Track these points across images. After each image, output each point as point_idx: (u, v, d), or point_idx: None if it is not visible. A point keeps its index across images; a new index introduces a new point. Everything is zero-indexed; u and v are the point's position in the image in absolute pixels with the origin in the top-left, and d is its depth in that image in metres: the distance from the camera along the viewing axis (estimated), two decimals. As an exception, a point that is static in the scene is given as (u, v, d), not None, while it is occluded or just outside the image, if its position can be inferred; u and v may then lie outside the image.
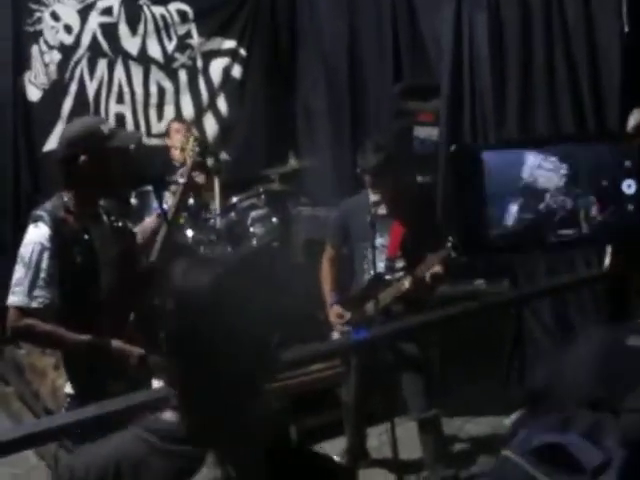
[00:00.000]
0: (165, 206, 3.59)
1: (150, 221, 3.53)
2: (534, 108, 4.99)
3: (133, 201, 5.04)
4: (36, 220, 2.92)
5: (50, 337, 2.93)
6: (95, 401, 2.26)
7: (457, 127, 5.38)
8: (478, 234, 1.03)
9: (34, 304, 2.86)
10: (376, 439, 4.40)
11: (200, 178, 5.29)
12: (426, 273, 3.86)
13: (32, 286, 2.86)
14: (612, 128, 4.51)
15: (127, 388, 2.64)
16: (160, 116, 6.17)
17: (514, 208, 1.03)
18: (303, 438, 4.32)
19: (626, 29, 4.45)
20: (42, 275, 2.87)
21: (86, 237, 2.97)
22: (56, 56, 5.69)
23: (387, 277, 4.06)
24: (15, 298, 2.87)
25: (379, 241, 4.07)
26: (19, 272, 2.89)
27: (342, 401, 4.27)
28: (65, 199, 2.96)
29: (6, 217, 5.49)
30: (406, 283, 3.93)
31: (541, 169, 1.03)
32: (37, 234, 2.89)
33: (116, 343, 2.92)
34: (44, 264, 2.87)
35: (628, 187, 1.03)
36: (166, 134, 5.75)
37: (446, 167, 5.34)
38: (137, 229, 3.44)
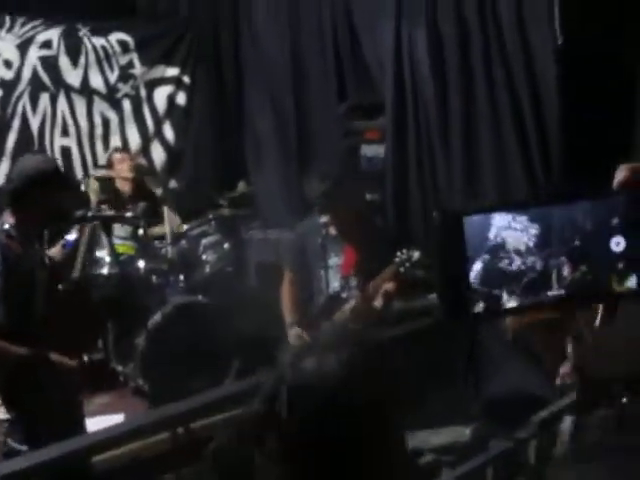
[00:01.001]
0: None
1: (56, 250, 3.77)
2: (477, 120, 5.04)
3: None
4: None
5: None
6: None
7: (403, 143, 5.39)
8: (462, 300, 0.97)
9: None
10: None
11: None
12: (379, 289, 3.86)
13: None
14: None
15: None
16: (106, 147, 6.06)
17: (478, 269, 0.98)
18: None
19: (559, 42, 4.52)
20: None
21: (27, 261, 3.21)
22: (-3, 91, 5.56)
23: (343, 296, 4.05)
24: None
25: (334, 261, 4.09)
26: None
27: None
28: (6, 226, 3.17)
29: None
30: (352, 302, 3.92)
31: (509, 229, 0.98)
32: None
33: (53, 356, 3.20)
34: None
35: (617, 245, 0.98)
36: (108, 165, 5.62)
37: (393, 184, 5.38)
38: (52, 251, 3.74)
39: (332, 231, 4.04)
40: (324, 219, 4.02)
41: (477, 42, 4.95)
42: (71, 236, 3.98)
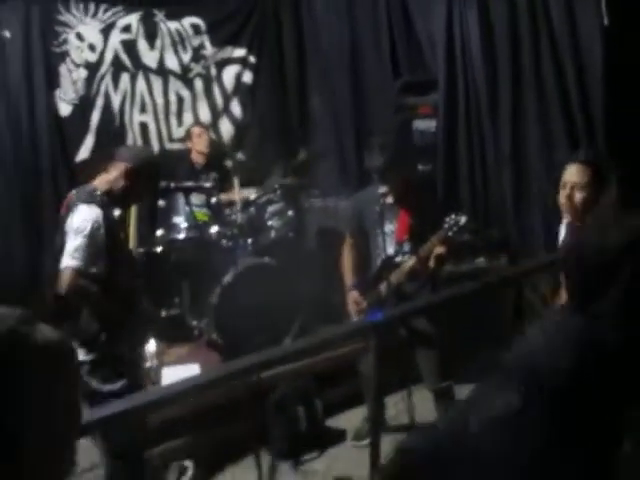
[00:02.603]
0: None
1: None
2: (524, 97, 5.15)
3: (161, 202, 5.24)
4: (88, 202, 3.29)
5: (97, 297, 3.27)
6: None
7: (453, 118, 5.55)
8: None
9: (94, 269, 3.21)
10: (393, 408, 4.57)
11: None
12: (430, 253, 4.02)
13: (91, 255, 3.20)
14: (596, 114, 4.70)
15: None
16: (180, 123, 6.35)
17: None
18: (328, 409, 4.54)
19: (606, 22, 4.60)
20: (99, 247, 3.23)
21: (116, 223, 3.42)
22: (82, 73, 5.87)
23: (397, 260, 4.22)
24: (75, 262, 3.18)
25: (388, 227, 4.24)
26: (78, 241, 3.20)
27: (361, 374, 4.41)
28: (98, 192, 3.36)
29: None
30: (410, 262, 4.10)
31: None
32: (92, 212, 3.25)
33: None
34: (99, 238, 3.23)
35: None
36: (187, 138, 5.91)
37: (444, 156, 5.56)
38: None
39: (389, 200, 4.21)
40: (382, 189, 4.20)
41: (525, 23, 5.06)
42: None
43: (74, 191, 3.43)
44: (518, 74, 5.17)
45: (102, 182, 3.43)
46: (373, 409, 4.45)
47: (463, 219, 3.85)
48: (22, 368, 1.03)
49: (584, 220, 3.26)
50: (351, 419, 4.56)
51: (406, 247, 4.25)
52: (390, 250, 4.22)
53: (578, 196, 3.30)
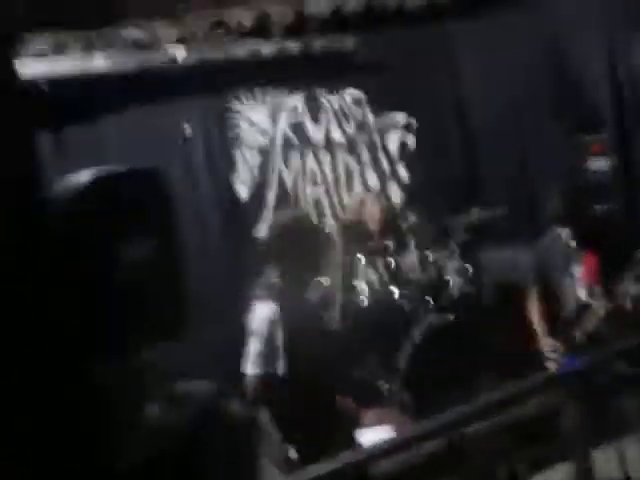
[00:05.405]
0: None
1: None
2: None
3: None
4: (261, 298, 3.29)
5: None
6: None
7: (627, 153, 5.27)
8: None
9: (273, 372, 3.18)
10: (603, 462, 4.21)
11: None
12: (626, 294, 3.77)
13: (270, 358, 3.18)
14: None
15: None
16: (350, 193, 6.40)
17: None
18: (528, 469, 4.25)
19: None
20: (277, 346, 3.18)
21: (300, 308, 3.37)
22: (256, 156, 6.08)
23: (589, 304, 4.00)
24: (257, 370, 3.18)
25: (576, 271, 4.05)
26: (256, 345, 3.20)
27: (564, 428, 4.13)
28: (275, 279, 3.34)
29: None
30: (604, 306, 3.86)
31: None
32: (267, 310, 3.23)
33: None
34: (277, 337, 3.18)
35: None
36: (359, 206, 5.94)
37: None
38: None
39: (572, 243, 4.03)
40: (563, 232, 4.02)
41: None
42: None
43: None
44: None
45: None
46: (580, 465, 4.14)
47: None
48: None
49: None
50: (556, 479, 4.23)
51: (597, 290, 4.02)
52: (581, 294, 4.00)
53: None
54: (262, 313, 3.22)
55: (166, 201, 1.92)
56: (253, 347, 3.18)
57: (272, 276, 3.34)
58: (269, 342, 3.16)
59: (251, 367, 3.16)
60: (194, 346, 4.28)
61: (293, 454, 3.24)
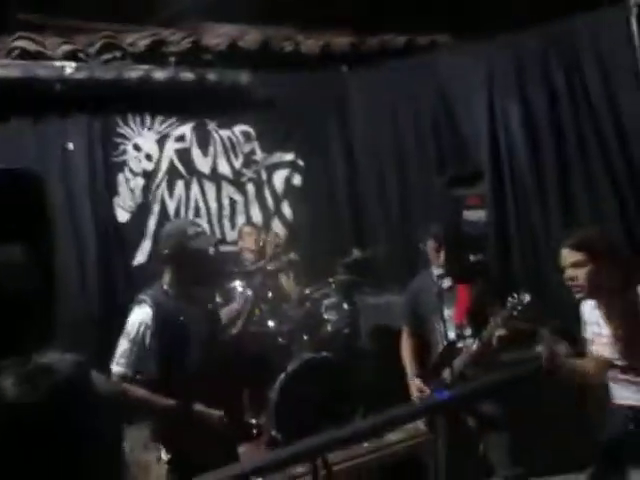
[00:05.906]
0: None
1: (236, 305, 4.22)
2: (572, 184, 5.06)
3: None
4: (140, 302, 3.22)
5: (141, 401, 3.11)
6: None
7: (502, 207, 5.45)
8: None
9: (139, 376, 3.10)
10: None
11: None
12: (492, 335, 3.85)
13: (137, 359, 3.11)
14: None
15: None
16: (233, 226, 6.36)
17: None
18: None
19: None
20: (146, 349, 3.12)
21: (181, 318, 3.24)
22: (140, 181, 5.95)
23: (458, 345, 4.05)
24: (120, 369, 3.11)
25: (447, 312, 4.09)
26: (124, 345, 3.13)
27: (430, 467, 4.16)
28: (164, 286, 3.28)
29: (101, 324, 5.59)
30: (474, 347, 3.92)
31: None
32: (141, 314, 3.17)
33: (198, 406, 3.18)
34: (147, 340, 3.13)
35: None
36: (239, 237, 5.91)
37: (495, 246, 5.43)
38: (224, 311, 4.09)
39: (445, 283, 4.09)
40: (437, 272, 4.08)
41: (567, 111, 5.02)
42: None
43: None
44: (564, 161, 5.09)
45: None
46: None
47: (527, 297, 3.66)
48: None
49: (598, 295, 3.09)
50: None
51: (467, 331, 4.09)
52: (451, 335, 4.05)
53: (580, 274, 3.09)
54: (137, 316, 3.18)
55: (38, 204, 1.81)
56: (121, 347, 3.15)
57: (156, 285, 3.31)
58: (138, 344, 3.13)
59: (115, 366, 3.14)
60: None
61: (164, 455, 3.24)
